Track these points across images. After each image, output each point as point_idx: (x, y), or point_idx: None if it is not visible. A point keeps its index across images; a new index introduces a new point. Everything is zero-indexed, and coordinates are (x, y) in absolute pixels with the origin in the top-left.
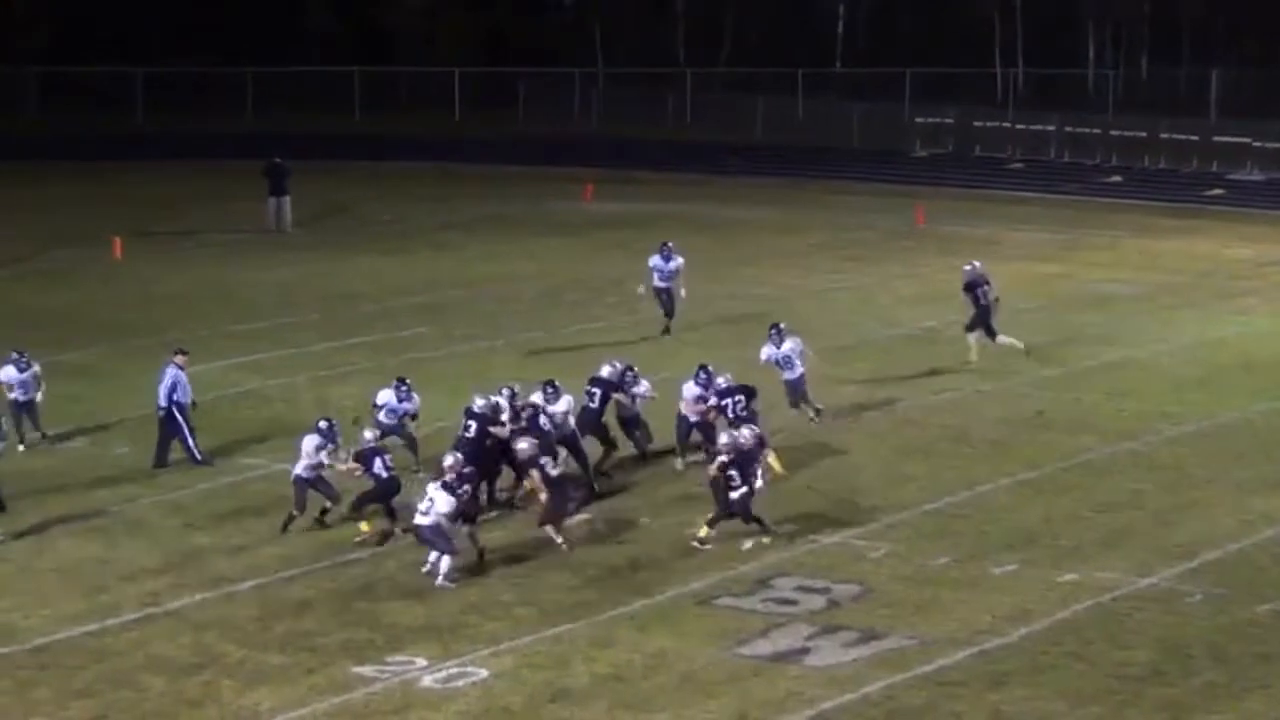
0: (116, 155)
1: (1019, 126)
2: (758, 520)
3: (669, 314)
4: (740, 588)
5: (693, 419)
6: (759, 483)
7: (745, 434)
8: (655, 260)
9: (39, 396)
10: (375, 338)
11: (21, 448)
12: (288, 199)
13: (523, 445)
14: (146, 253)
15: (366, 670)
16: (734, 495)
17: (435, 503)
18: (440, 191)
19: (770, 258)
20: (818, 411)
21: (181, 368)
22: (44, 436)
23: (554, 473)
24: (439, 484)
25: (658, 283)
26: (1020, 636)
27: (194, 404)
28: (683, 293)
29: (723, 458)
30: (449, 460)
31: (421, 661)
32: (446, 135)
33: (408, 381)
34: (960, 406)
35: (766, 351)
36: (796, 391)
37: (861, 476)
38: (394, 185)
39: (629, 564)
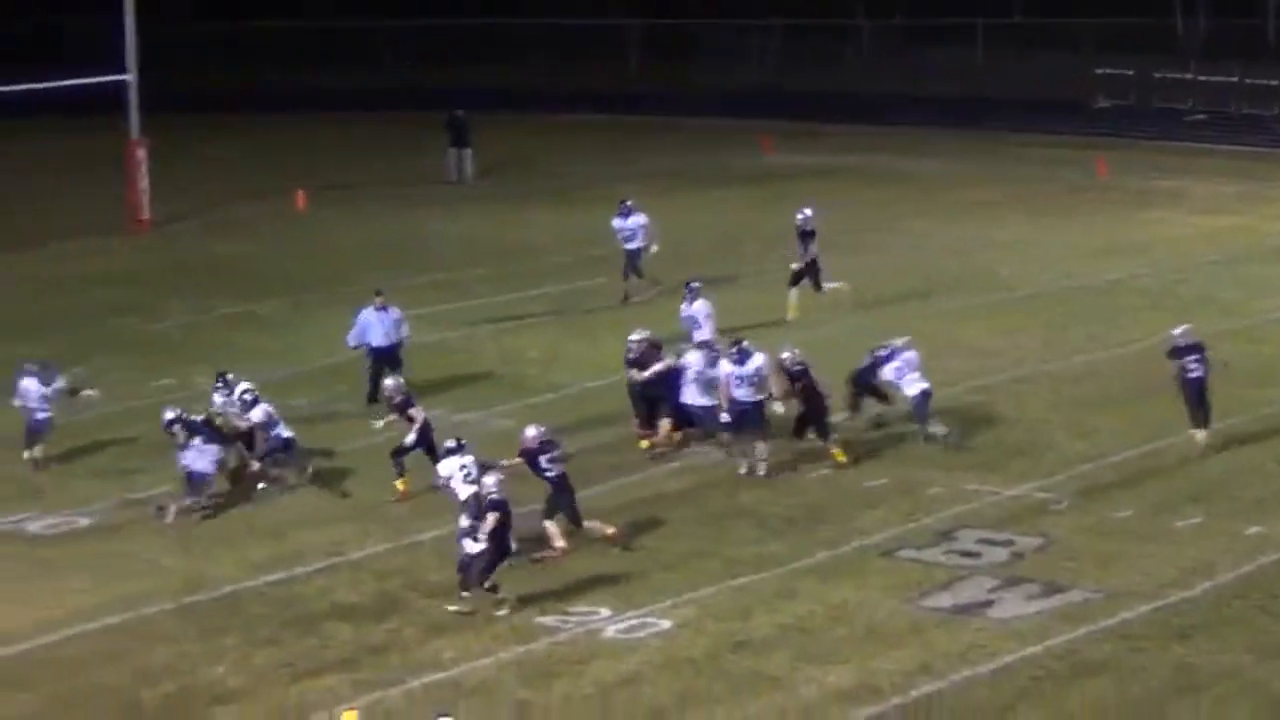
0: (297, 108)
1: (1200, 78)
2: None
3: (637, 274)
4: (922, 540)
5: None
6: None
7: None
8: (616, 220)
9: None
10: (556, 289)
11: (28, 455)
12: (469, 151)
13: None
14: (328, 205)
15: (549, 620)
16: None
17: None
18: (618, 144)
19: (948, 210)
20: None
21: (381, 309)
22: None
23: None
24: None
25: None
26: (1204, 590)
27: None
28: (654, 248)
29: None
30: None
31: (604, 612)
32: (623, 87)
33: None
34: (1143, 358)
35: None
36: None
37: (1044, 428)
38: (572, 138)
39: (811, 516)
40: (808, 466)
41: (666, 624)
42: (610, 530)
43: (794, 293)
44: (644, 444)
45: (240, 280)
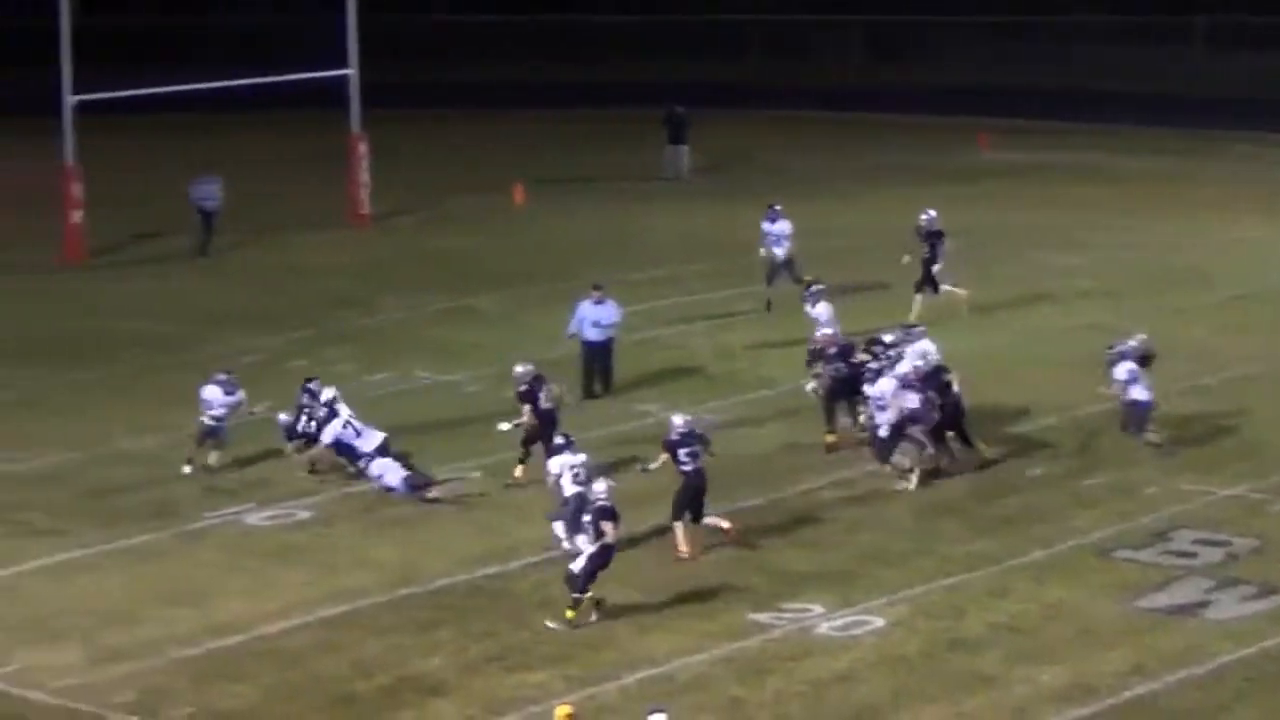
0: (515, 103)
1: None
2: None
3: (770, 281)
4: (1138, 540)
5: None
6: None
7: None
8: (764, 224)
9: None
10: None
11: (187, 469)
12: (685, 148)
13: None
14: (546, 199)
15: (763, 617)
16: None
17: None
18: (838, 140)
19: (1167, 208)
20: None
21: (598, 302)
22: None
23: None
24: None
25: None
26: None
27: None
28: (779, 253)
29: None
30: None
31: (817, 609)
32: (844, 84)
33: None
34: None
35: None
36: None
37: (1263, 430)
38: (791, 134)
39: (1026, 515)
40: (1022, 464)
41: (880, 622)
42: (727, 525)
43: (919, 298)
44: (829, 439)
45: (458, 275)
